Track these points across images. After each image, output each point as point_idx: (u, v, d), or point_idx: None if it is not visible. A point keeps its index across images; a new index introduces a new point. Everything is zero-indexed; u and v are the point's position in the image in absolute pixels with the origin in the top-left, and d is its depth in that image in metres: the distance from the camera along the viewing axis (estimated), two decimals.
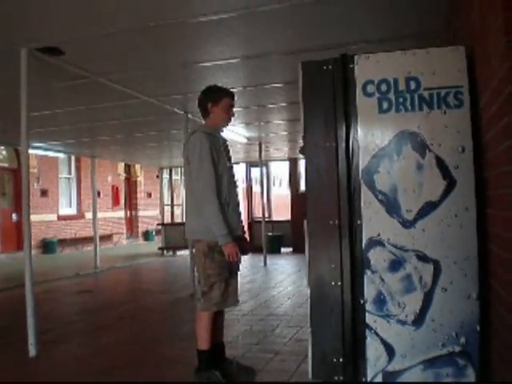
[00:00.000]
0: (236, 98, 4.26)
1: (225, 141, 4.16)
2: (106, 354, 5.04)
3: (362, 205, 3.39)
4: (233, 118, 4.22)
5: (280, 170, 27.74)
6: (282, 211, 20.58)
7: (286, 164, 17.14)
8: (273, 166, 19.48)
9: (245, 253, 4.07)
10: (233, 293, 3.93)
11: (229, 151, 4.16)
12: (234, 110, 4.22)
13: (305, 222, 3.52)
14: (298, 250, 14.49)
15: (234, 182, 4.07)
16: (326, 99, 3.44)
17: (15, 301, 7.86)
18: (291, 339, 5.22)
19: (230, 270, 3.91)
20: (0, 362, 4.86)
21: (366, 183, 3.38)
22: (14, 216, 16.74)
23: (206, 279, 3.86)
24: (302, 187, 16.07)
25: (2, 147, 15.95)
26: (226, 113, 4.07)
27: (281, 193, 22.18)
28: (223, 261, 3.83)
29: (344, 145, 3.41)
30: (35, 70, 5.24)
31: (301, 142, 3.60)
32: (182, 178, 23.51)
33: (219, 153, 3.93)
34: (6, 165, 16.62)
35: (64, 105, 7.84)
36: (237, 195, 4.08)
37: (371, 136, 3.39)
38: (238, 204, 4.06)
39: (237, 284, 4.01)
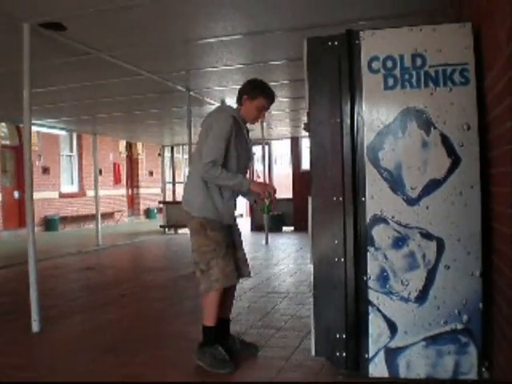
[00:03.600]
0: (271, 100, 4.08)
1: (248, 131, 4.13)
2: (109, 330, 5.07)
3: (367, 182, 3.39)
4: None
5: (280, 149, 27.68)
6: (282, 190, 20.57)
7: (287, 143, 17.10)
8: (273, 144, 19.35)
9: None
10: (232, 271, 3.87)
11: (251, 146, 4.16)
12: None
13: (309, 198, 3.52)
14: (300, 228, 14.55)
15: (246, 174, 4.06)
16: (332, 75, 3.42)
17: (18, 277, 7.94)
18: (293, 316, 5.25)
19: (227, 247, 3.89)
20: (4, 338, 4.88)
21: (371, 160, 3.38)
22: (15, 193, 16.76)
23: (202, 257, 3.83)
24: (304, 166, 16.05)
25: (3, 124, 15.89)
26: (256, 112, 4.00)
27: (281, 172, 22.15)
28: (217, 236, 3.83)
29: (349, 121, 3.40)
30: (37, 46, 5.21)
31: (304, 120, 3.60)
32: (184, 156, 23.51)
33: (242, 141, 3.92)
34: (7, 142, 16.59)
35: (66, 81, 7.80)
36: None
37: (376, 113, 3.38)
38: (237, 195, 4.08)
39: (235, 262, 3.97)
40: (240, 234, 4.19)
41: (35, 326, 4.99)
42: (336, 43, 3.45)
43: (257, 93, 3.97)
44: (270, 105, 4.06)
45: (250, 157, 4.10)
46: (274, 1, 4.84)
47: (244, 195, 4.13)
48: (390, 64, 3.35)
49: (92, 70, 7.07)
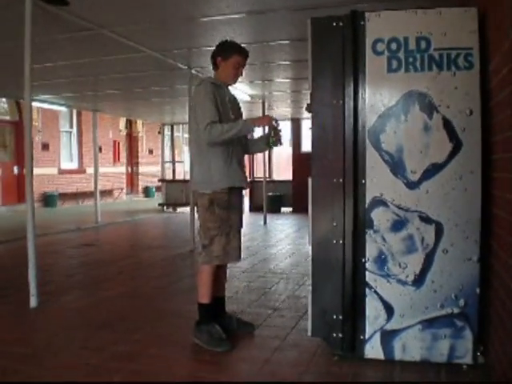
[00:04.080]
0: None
1: (233, 95, 4.13)
2: (106, 306, 5.09)
3: (367, 164, 3.38)
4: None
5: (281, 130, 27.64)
6: (282, 171, 20.56)
7: (288, 124, 17.04)
8: None
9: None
10: (235, 248, 3.94)
11: (238, 106, 4.15)
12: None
13: (309, 179, 3.52)
14: (298, 210, 14.56)
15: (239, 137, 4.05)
16: (335, 56, 3.40)
17: (16, 253, 7.96)
18: (290, 296, 5.28)
19: (231, 225, 3.92)
20: (1, 312, 4.91)
21: (372, 143, 3.37)
22: (15, 169, 16.74)
23: (206, 232, 3.88)
24: (304, 148, 16.03)
25: (3, 100, 15.84)
26: (233, 70, 4.01)
27: (281, 153, 22.12)
28: (223, 214, 3.85)
29: (351, 103, 3.38)
30: (39, 21, 5.15)
31: (305, 102, 3.59)
32: (184, 135, 23.48)
33: (224, 104, 3.90)
34: (7, 117, 16.54)
35: (67, 57, 7.74)
36: (241, 149, 4.07)
37: (379, 95, 3.36)
38: (242, 157, 4.07)
39: (239, 240, 4.02)
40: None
41: (33, 301, 4.99)
42: (341, 24, 3.42)
43: (230, 51, 4.01)
44: (244, 61, 4.08)
45: (240, 117, 4.12)
46: None
47: (252, 147, 4.23)
48: (394, 46, 3.32)
49: (93, 46, 7.01)
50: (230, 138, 3.79)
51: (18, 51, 5.16)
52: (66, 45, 6.93)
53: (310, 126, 3.52)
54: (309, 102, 3.52)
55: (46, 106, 12.93)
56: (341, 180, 3.42)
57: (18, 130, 16.42)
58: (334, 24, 3.42)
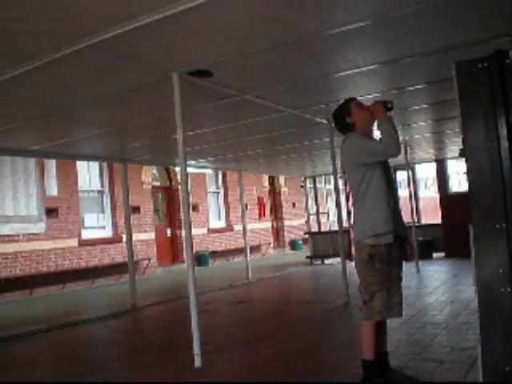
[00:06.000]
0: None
1: None
2: (269, 364, 5.14)
3: None
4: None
5: (424, 172, 26.99)
6: (428, 214, 19.93)
7: (430, 166, 16.59)
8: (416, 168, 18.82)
9: (406, 258, 4.16)
10: (396, 304, 3.85)
11: None
12: None
13: (470, 226, 3.39)
14: (452, 254, 13.95)
15: (392, 183, 4.06)
16: (484, 98, 3.30)
17: (176, 313, 8.36)
18: (454, 348, 5.02)
19: (392, 280, 3.85)
20: (169, 373, 5.12)
21: None
22: (168, 231, 17.70)
23: (367, 287, 3.85)
24: (452, 189, 15.47)
25: (154, 167, 16.98)
26: (361, 111, 4.12)
27: (425, 195, 21.44)
28: (384, 269, 3.81)
29: (507, 144, 3.24)
30: (184, 93, 5.49)
31: (448, 142, 3.51)
32: (326, 186, 23.61)
33: None
34: (158, 183, 17.64)
35: (212, 123, 8.16)
36: (396, 195, 4.07)
37: None
38: (397, 204, 4.04)
39: (401, 295, 3.93)
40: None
41: (197, 361, 5.14)
42: (486, 64, 3.33)
43: (345, 107, 4.20)
44: (357, 100, 4.24)
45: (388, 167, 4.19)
46: (410, 27, 4.76)
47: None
48: None
49: (236, 110, 7.34)
50: (395, 132, 4.00)
51: (165, 122, 5.53)
52: (210, 112, 7.32)
53: (465, 171, 3.42)
54: (462, 146, 3.44)
55: (194, 170, 13.66)
56: (504, 225, 3.26)
57: (169, 195, 17.50)
58: (480, 65, 3.34)
